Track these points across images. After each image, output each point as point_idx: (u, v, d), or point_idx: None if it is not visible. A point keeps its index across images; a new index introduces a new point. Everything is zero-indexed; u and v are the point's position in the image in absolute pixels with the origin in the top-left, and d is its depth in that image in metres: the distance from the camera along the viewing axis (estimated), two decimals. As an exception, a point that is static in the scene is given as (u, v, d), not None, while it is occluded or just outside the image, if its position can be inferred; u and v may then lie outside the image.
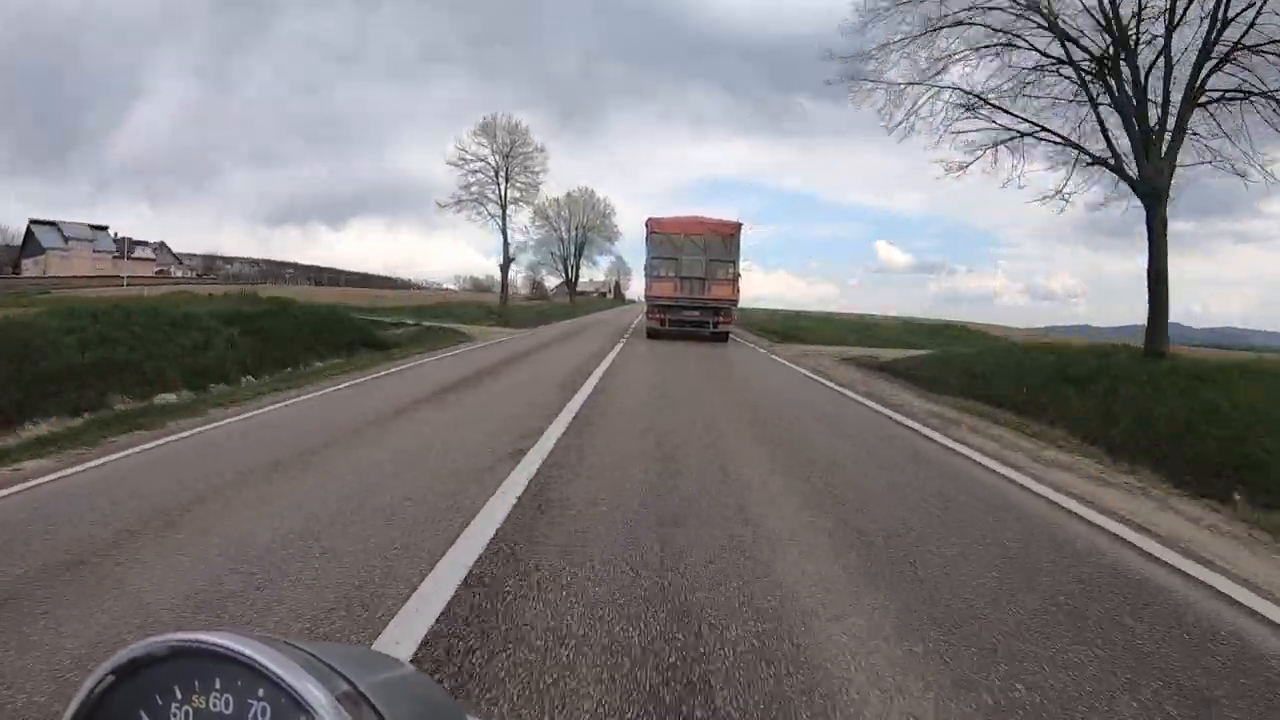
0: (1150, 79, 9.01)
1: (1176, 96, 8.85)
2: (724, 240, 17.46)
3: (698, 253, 17.37)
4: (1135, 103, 8.98)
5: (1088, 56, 9.27)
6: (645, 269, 18.65)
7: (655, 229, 17.66)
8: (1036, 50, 9.56)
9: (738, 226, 17.64)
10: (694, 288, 17.37)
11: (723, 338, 18.15)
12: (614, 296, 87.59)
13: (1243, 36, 8.35)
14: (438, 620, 2.37)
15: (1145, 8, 8.81)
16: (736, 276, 17.46)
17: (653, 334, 18.26)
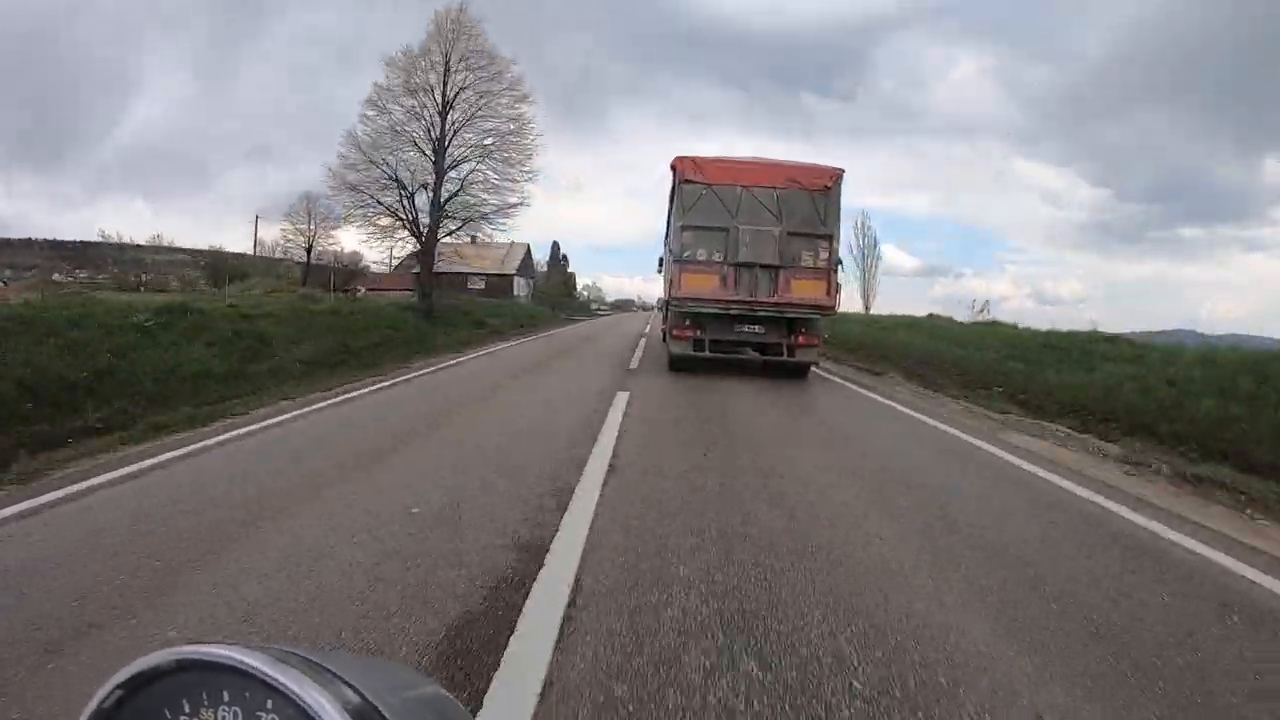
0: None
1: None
2: (814, 199, 9.65)
3: (768, 220, 9.56)
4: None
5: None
6: (667, 246, 10.81)
7: (692, 175, 9.61)
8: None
9: (838, 176, 9.82)
10: (758, 283, 9.54)
11: (801, 371, 10.45)
12: (526, 299, 42.50)
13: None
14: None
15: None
16: (836, 265, 9.74)
17: (677, 365, 10.41)
